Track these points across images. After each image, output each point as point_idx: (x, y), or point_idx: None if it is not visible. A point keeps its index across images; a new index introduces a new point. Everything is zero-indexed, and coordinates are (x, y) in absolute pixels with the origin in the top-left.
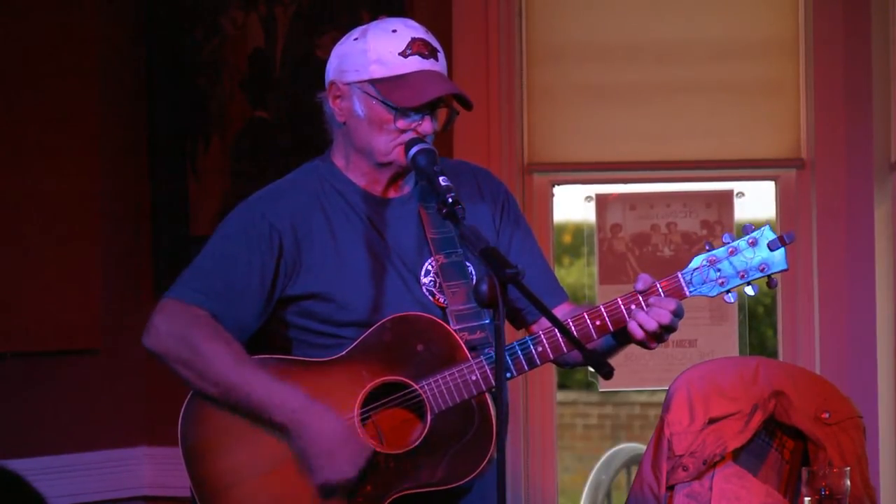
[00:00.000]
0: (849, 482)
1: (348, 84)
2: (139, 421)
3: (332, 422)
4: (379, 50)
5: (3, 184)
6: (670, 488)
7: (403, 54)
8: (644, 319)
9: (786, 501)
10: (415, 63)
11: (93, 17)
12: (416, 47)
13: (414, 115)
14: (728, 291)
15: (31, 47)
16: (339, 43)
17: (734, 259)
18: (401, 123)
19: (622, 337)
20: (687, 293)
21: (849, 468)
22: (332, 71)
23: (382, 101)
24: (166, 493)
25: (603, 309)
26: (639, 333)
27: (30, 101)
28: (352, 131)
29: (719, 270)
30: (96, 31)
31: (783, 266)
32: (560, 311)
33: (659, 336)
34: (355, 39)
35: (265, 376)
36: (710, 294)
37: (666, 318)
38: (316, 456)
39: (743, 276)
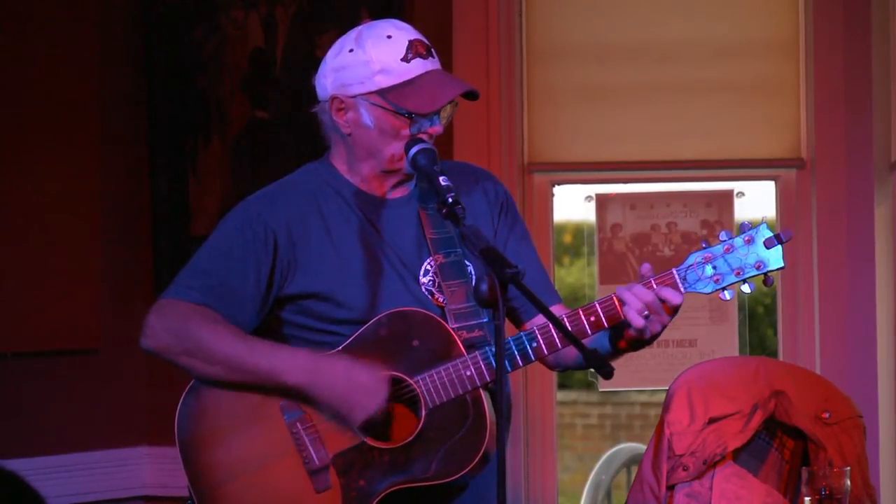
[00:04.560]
0: (849, 482)
1: (353, 97)
2: (139, 421)
3: (342, 363)
4: (381, 59)
5: (4, 184)
6: (670, 488)
7: (405, 59)
8: (629, 299)
9: (786, 501)
10: (418, 66)
11: (93, 16)
12: (416, 49)
13: (426, 119)
14: (723, 289)
15: (31, 47)
16: (333, 56)
17: (730, 257)
18: (415, 129)
19: (617, 336)
20: (681, 290)
21: (849, 468)
22: (330, 85)
23: (395, 111)
24: (166, 492)
25: (598, 305)
26: (630, 318)
27: (30, 101)
28: (359, 141)
29: (715, 268)
30: (96, 32)
31: (780, 264)
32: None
33: (647, 317)
34: (350, 51)
35: (268, 344)
36: (705, 291)
37: (649, 296)
38: (341, 399)
39: (738, 274)
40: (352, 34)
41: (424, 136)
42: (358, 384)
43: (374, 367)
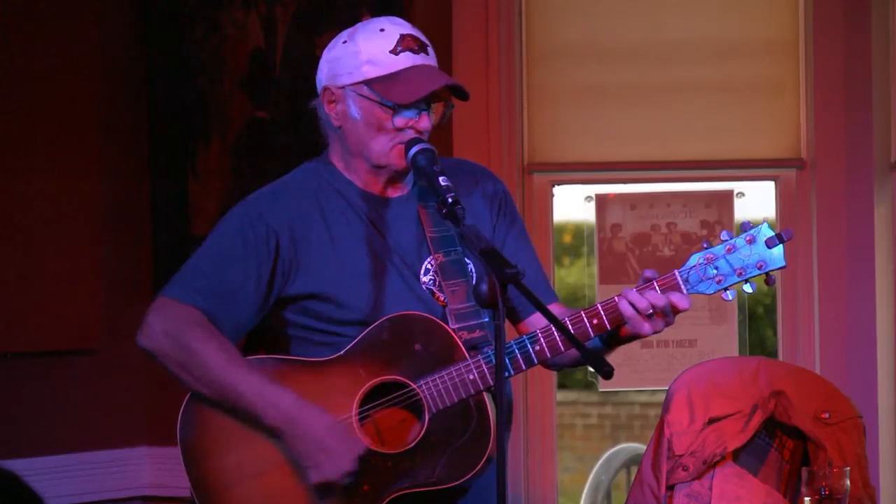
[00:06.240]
0: (849, 482)
1: (342, 87)
2: (139, 421)
3: (323, 420)
4: (370, 50)
5: (4, 184)
6: (670, 488)
7: (394, 52)
8: (635, 297)
9: (786, 501)
10: (406, 59)
11: (93, 17)
12: (406, 43)
13: (411, 112)
14: (726, 289)
15: (31, 47)
16: (329, 48)
17: (731, 257)
18: (398, 122)
19: (614, 339)
20: (684, 291)
21: (849, 468)
22: (324, 77)
23: (379, 101)
24: (166, 493)
25: (600, 307)
26: (628, 310)
27: (30, 101)
28: (348, 134)
29: (717, 268)
30: (96, 31)
31: (781, 263)
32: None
33: (651, 317)
34: (344, 43)
35: (256, 379)
36: (708, 292)
37: (659, 299)
38: (310, 455)
39: (741, 274)
40: (350, 29)
41: (411, 132)
42: (327, 448)
43: (352, 438)
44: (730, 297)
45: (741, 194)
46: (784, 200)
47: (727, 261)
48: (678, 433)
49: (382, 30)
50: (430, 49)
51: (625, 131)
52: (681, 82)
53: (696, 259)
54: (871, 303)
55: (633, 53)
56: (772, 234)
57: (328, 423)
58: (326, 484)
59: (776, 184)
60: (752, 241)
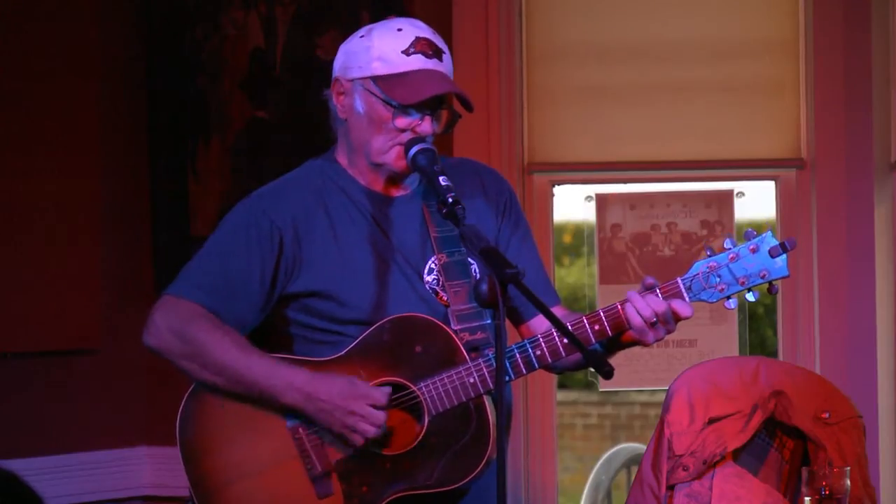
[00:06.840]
0: (849, 482)
1: (351, 80)
2: (139, 421)
3: (336, 386)
4: (382, 47)
5: (4, 184)
6: (670, 488)
7: (406, 52)
8: (641, 305)
9: (786, 501)
10: (417, 62)
11: (93, 16)
12: (420, 46)
13: (413, 114)
14: (728, 298)
15: (31, 47)
16: (347, 40)
17: (735, 265)
18: (399, 122)
19: (614, 345)
20: (686, 299)
21: (849, 468)
22: (337, 67)
23: (382, 98)
24: (166, 493)
25: (602, 313)
26: (635, 319)
27: (30, 101)
28: (352, 129)
29: (719, 277)
30: (96, 31)
31: (784, 273)
32: None
33: (654, 325)
34: (361, 37)
35: (268, 361)
36: (711, 300)
37: (661, 306)
38: (341, 424)
39: (743, 283)
40: (371, 24)
41: (410, 134)
42: (352, 411)
43: (370, 390)
44: (732, 306)
45: (741, 194)
46: (784, 200)
47: (730, 270)
48: (678, 433)
49: (400, 29)
50: (445, 56)
51: (625, 131)
52: (681, 82)
53: (698, 267)
54: (871, 303)
55: (633, 53)
56: (775, 243)
57: (341, 387)
58: (370, 443)
59: (776, 184)
60: (755, 250)
